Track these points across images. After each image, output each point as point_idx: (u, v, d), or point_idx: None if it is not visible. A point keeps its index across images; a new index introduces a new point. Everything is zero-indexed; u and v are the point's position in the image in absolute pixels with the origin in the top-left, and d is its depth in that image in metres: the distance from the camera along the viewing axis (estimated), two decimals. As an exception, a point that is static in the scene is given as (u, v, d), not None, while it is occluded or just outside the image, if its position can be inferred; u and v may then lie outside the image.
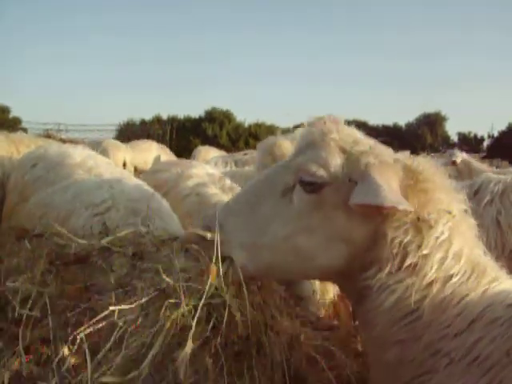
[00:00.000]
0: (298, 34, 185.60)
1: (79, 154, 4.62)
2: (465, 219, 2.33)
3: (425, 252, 2.17)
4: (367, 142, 2.37)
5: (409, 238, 2.17)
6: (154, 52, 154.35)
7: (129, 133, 41.26)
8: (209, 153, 16.38)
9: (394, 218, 2.17)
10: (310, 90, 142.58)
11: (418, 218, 2.18)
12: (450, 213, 2.23)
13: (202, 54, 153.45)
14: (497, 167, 16.01)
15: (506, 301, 2.10)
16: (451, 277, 2.17)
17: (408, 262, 2.15)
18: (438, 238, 2.19)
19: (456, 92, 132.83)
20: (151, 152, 16.79)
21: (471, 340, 2.03)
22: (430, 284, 2.16)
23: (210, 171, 5.20)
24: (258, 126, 45.14)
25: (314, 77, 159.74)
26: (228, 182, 5.01)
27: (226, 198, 4.55)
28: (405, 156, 2.40)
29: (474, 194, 3.85)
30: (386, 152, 2.35)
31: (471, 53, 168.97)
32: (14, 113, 46.73)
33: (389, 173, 2.20)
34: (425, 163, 2.32)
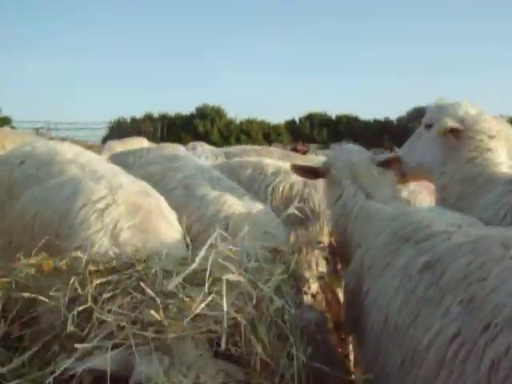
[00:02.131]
0: (286, 27, 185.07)
1: (69, 151, 4.57)
2: None
3: None
4: None
5: None
6: (143, 49, 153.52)
7: (119, 130, 41.13)
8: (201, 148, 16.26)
9: None
10: (299, 83, 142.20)
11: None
12: None
13: (192, 50, 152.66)
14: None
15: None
16: None
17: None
18: None
19: (447, 84, 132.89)
20: (142, 149, 16.69)
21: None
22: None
23: (198, 163, 5.19)
24: (250, 122, 45.14)
25: (303, 71, 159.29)
26: (216, 173, 5.01)
27: (212, 190, 4.58)
28: None
29: None
30: None
31: (463, 44, 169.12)
32: (4, 112, 46.52)
33: None
34: None
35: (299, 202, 5.37)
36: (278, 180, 5.57)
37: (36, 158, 4.58)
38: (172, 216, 3.90)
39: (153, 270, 2.79)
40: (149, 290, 2.60)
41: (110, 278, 2.81)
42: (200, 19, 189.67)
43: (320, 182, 5.51)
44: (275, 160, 6.43)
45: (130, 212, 3.57)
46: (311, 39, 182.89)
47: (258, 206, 4.51)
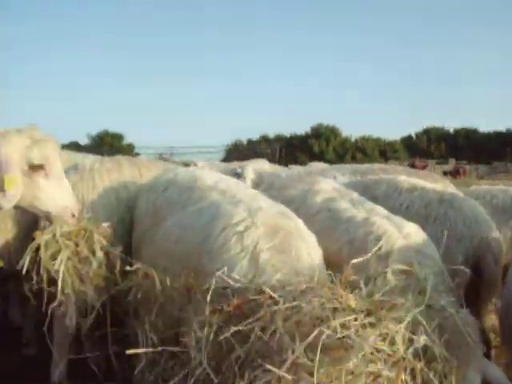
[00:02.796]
0: (401, 37, 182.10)
1: (209, 177, 4.73)
2: None
3: None
4: None
5: None
6: (256, 73, 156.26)
7: (236, 153, 42.01)
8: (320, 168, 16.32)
9: None
10: (414, 98, 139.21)
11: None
12: None
13: (305, 70, 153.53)
14: None
15: None
16: None
17: None
18: None
19: None
20: (264, 171, 16.89)
21: None
22: None
23: (335, 185, 5.20)
24: (365, 139, 44.63)
25: (416, 85, 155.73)
26: (355, 195, 4.99)
27: (357, 211, 4.54)
28: None
29: None
30: None
31: None
32: (127, 139, 48.78)
33: None
34: None
35: (434, 221, 5.21)
36: (412, 197, 5.46)
37: (178, 184, 4.76)
38: (311, 238, 3.89)
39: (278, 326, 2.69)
40: (274, 369, 2.50)
41: (240, 327, 2.78)
42: (309, 38, 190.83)
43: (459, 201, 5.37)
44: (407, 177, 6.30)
45: (269, 234, 3.61)
46: (425, 53, 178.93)
47: (407, 225, 4.40)
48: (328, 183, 5.27)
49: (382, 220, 4.37)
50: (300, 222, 3.98)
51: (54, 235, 4.00)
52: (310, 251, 3.73)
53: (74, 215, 4.21)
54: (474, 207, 5.44)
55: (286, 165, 21.05)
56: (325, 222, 4.58)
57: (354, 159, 40.23)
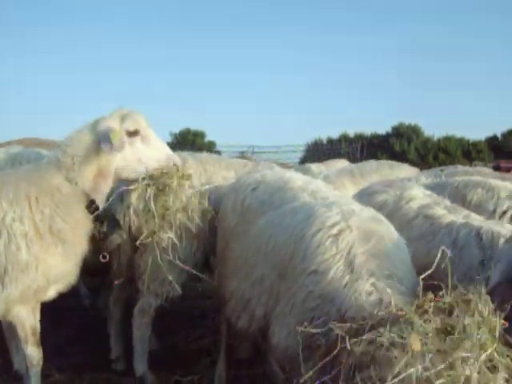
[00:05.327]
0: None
1: (298, 178, 4.84)
2: None
3: None
4: None
5: None
6: (329, 69, 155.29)
7: (317, 152, 41.94)
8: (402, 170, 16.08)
9: None
10: (498, 96, 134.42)
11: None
12: None
13: (385, 70, 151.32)
14: None
15: None
16: None
17: None
18: None
19: None
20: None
21: None
22: None
23: (426, 192, 5.21)
24: (448, 139, 43.42)
25: (499, 81, 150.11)
26: (448, 201, 4.97)
27: (455, 217, 4.54)
28: None
29: None
30: None
31: None
32: (209, 137, 48.96)
33: None
34: None
35: None
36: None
37: (268, 184, 4.87)
38: (401, 242, 3.94)
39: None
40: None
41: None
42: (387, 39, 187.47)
43: None
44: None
45: (362, 238, 3.68)
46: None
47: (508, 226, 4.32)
48: (418, 189, 5.30)
49: (481, 221, 4.38)
50: (391, 226, 4.02)
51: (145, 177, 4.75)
52: (401, 256, 3.77)
53: (175, 164, 4.89)
54: None
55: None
56: (423, 227, 4.65)
57: (436, 159, 39.29)
